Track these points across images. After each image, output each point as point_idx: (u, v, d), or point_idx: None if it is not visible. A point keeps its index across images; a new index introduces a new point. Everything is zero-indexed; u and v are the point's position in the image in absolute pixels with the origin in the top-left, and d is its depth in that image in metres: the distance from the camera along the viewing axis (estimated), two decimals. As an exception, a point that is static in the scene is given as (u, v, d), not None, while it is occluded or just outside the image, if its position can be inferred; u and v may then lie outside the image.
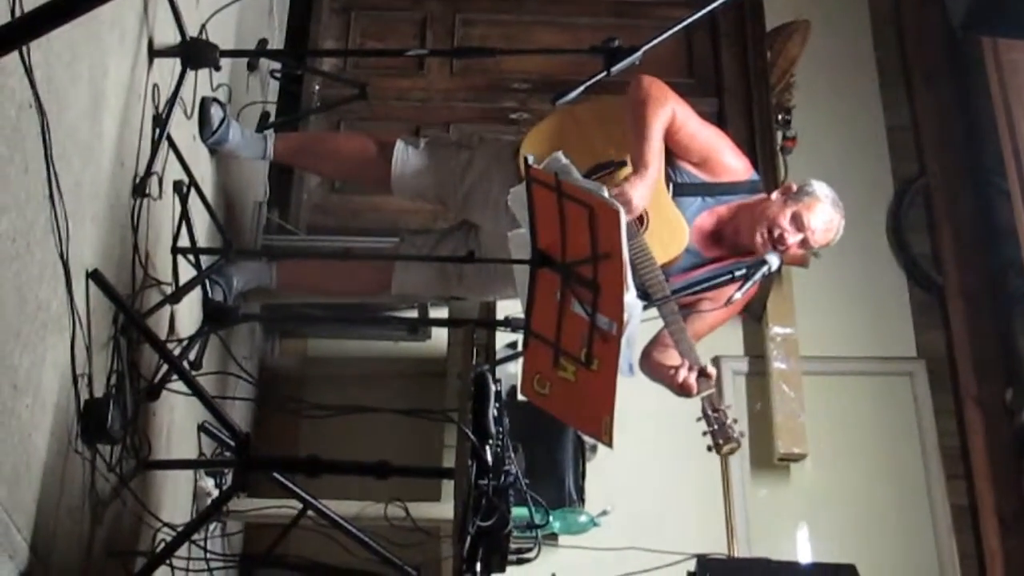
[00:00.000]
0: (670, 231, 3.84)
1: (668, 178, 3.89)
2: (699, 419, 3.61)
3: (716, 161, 3.95)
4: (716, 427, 3.58)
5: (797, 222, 3.82)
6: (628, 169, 3.81)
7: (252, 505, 4.25)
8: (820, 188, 3.89)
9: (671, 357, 3.78)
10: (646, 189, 3.69)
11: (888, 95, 6.68)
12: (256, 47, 4.82)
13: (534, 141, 3.95)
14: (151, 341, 3.16)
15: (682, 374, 3.64)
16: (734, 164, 3.99)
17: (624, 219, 2.58)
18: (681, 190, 3.90)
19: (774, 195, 3.92)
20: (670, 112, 3.83)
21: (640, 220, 3.79)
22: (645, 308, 3.38)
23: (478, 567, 2.98)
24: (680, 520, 5.48)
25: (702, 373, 3.64)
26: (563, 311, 2.78)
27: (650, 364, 3.87)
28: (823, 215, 3.84)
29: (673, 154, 3.90)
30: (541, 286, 2.85)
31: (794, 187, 3.90)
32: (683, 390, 3.66)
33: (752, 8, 6.05)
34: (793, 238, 3.82)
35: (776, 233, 3.81)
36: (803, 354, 5.84)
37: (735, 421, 3.60)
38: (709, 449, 3.59)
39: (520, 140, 4.12)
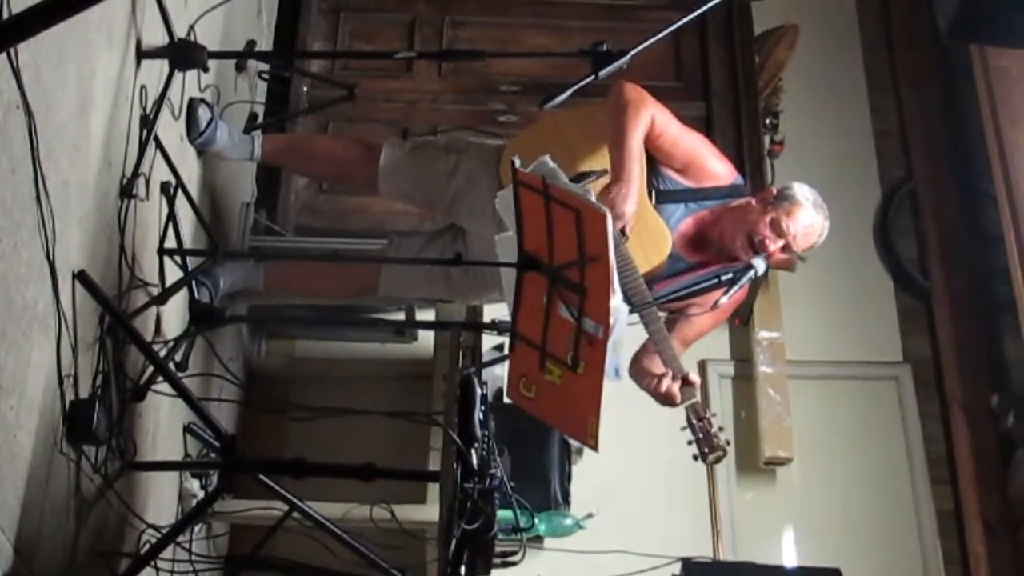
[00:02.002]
0: (652, 240, 3.82)
1: (651, 185, 3.86)
2: (684, 428, 3.59)
3: (699, 166, 3.93)
4: (701, 436, 3.55)
5: (777, 228, 3.78)
6: (607, 178, 3.79)
7: (237, 507, 4.25)
8: (801, 191, 3.85)
9: (658, 364, 3.77)
10: (631, 198, 3.68)
11: (876, 100, 6.69)
12: (244, 48, 4.81)
13: (516, 147, 3.94)
14: (137, 342, 3.15)
15: (665, 383, 3.62)
16: (717, 169, 3.97)
17: (611, 223, 2.58)
18: (664, 197, 3.89)
19: (754, 201, 3.90)
20: (648, 118, 3.80)
21: (622, 229, 3.78)
22: (630, 313, 3.37)
23: (463, 570, 2.99)
24: (666, 523, 5.49)
25: (685, 382, 3.62)
26: (549, 314, 2.79)
27: (637, 370, 3.83)
28: (803, 219, 3.81)
29: (655, 160, 3.88)
30: (528, 289, 2.85)
31: (774, 192, 3.88)
32: (666, 399, 3.65)
33: (740, 12, 6.05)
34: (774, 244, 3.79)
35: (757, 240, 3.79)
36: (789, 358, 5.85)
37: (720, 429, 3.57)
38: (695, 458, 3.56)
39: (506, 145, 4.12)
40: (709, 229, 3.94)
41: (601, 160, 3.84)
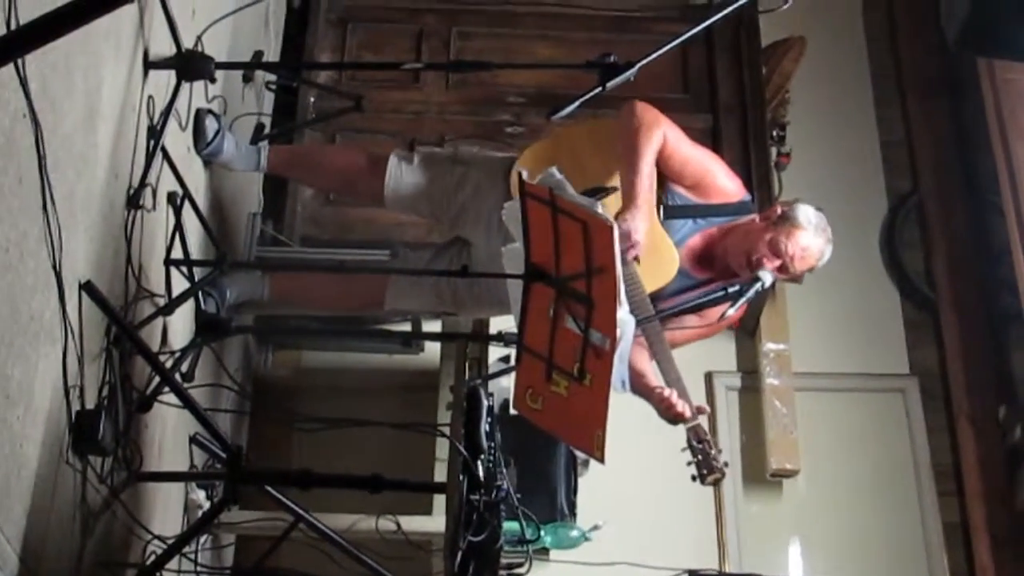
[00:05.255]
0: (659, 259, 3.82)
1: (659, 201, 3.86)
2: (683, 449, 3.59)
3: (709, 184, 3.93)
4: (700, 458, 3.56)
5: (775, 248, 3.76)
6: (617, 196, 3.79)
7: (243, 518, 4.24)
8: (804, 213, 3.82)
9: (646, 358, 3.76)
10: (643, 222, 3.67)
11: (882, 111, 6.69)
12: (252, 59, 4.82)
13: (527, 161, 3.94)
14: (143, 353, 3.15)
15: (675, 402, 3.61)
16: (727, 186, 3.97)
17: (617, 235, 2.58)
18: (672, 212, 3.88)
19: (757, 219, 3.90)
20: (661, 138, 3.80)
21: (636, 257, 3.78)
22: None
23: (469, 582, 2.98)
24: (672, 535, 5.48)
25: (698, 411, 3.62)
26: (556, 326, 2.78)
27: (634, 375, 3.71)
28: (802, 241, 3.77)
29: (666, 177, 3.87)
30: (534, 301, 2.85)
31: (779, 211, 3.87)
32: (673, 416, 3.63)
33: (748, 24, 6.05)
34: (771, 264, 3.77)
35: (755, 258, 3.78)
36: (796, 370, 5.84)
37: (719, 451, 3.58)
38: (693, 479, 3.58)
39: (514, 157, 4.11)
40: (716, 246, 3.93)
41: (612, 176, 3.85)
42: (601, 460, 2.70)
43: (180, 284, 3.69)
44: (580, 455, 5.18)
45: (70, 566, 2.94)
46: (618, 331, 2.61)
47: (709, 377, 5.87)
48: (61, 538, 2.86)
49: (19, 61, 2.37)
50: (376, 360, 5.81)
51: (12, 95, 2.38)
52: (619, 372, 2.69)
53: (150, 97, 3.46)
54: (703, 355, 5.42)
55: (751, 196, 4.10)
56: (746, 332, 5.92)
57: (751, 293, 3.71)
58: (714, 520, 5.63)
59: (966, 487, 5.73)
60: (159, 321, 3.56)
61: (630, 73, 3.70)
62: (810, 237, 3.81)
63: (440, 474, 4.58)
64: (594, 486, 5.31)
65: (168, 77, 3.60)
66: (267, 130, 5.06)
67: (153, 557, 3.28)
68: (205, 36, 3.86)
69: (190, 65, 3.65)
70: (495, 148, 5.24)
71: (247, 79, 4.84)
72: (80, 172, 2.85)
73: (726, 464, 3.58)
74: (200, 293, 3.96)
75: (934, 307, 6.16)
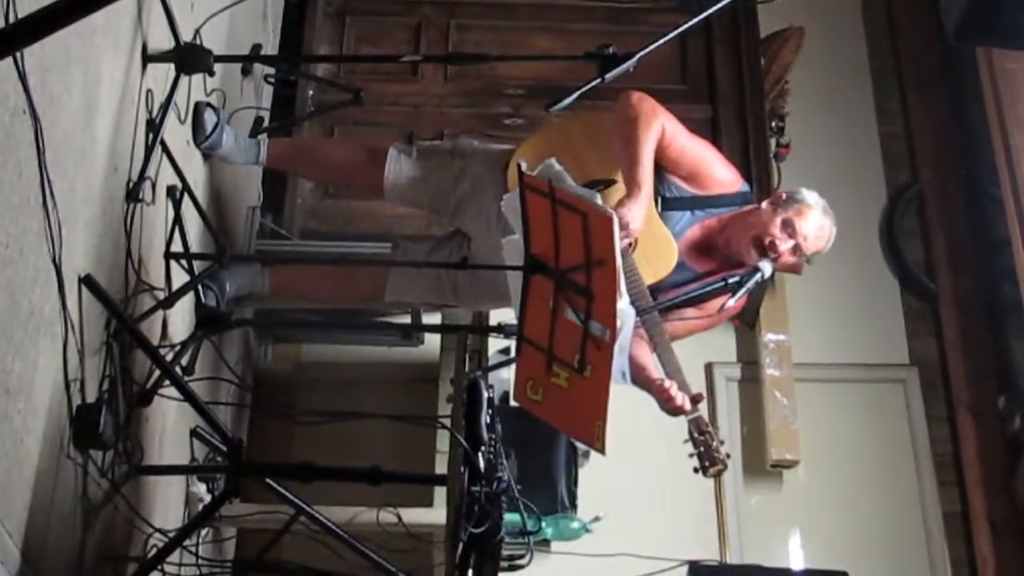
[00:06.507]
0: (658, 251, 3.81)
1: (657, 192, 3.84)
2: (685, 441, 3.59)
3: (706, 175, 3.92)
4: (702, 450, 3.55)
5: (789, 229, 3.79)
6: (619, 187, 3.78)
7: (244, 511, 4.24)
8: (809, 195, 3.86)
9: (646, 351, 3.76)
10: (641, 211, 3.65)
11: (882, 102, 6.69)
12: (250, 52, 4.82)
13: (524, 155, 3.92)
14: (143, 346, 3.15)
15: (675, 395, 3.60)
16: (724, 177, 3.97)
17: (617, 227, 2.58)
18: (670, 204, 3.88)
19: (764, 204, 3.90)
20: (659, 128, 3.79)
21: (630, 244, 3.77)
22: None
23: (470, 574, 2.98)
24: (672, 526, 5.49)
25: (695, 399, 3.62)
26: (556, 317, 2.79)
27: (635, 368, 3.70)
28: (814, 221, 3.82)
29: (663, 168, 3.86)
30: (534, 292, 2.85)
31: (784, 195, 3.89)
32: (673, 409, 3.63)
33: (746, 15, 6.04)
34: (785, 245, 3.80)
35: (767, 241, 3.79)
36: (796, 361, 5.84)
37: (721, 443, 3.57)
38: (696, 471, 3.57)
39: (512, 151, 4.10)
40: (716, 236, 3.93)
41: (608, 169, 3.83)
42: (602, 451, 2.71)
43: (180, 277, 3.69)
44: (581, 446, 5.19)
45: (71, 560, 2.94)
46: (618, 322, 2.61)
47: (709, 368, 5.88)
48: (62, 532, 2.86)
49: (18, 56, 2.37)
50: (376, 353, 5.81)
51: (11, 90, 2.38)
52: (619, 363, 2.69)
53: (149, 90, 3.45)
54: (703, 346, 5.42)
55: (749, 186, 4.10)
56: (746, 323, 5.92)
57: (751, 284, 3.71)
58: (715, 511, 5.64)
59: (966, 477, 5.74)
60: (159, 314, 3.56)
61: (629, 64, 3.70)
62: (821, 216, 3.84)
63: (441, 466, 4.59)
64: (595, 478, 5.31)
65: (167, 70, 3.60)
66: (266, 123, 5.05)
67: (154, 550, 3.28)
68: (203, 29, 3.86)
69: (189, 58, 3.64)
70: (495, 140, 5.23)
71: (246, 72, 4.84)
72: (79, 166, 2.85)
73: (728, 455, 3.58)
74: (200, 286, 3.96)
75: (934, 297, 6.16)
